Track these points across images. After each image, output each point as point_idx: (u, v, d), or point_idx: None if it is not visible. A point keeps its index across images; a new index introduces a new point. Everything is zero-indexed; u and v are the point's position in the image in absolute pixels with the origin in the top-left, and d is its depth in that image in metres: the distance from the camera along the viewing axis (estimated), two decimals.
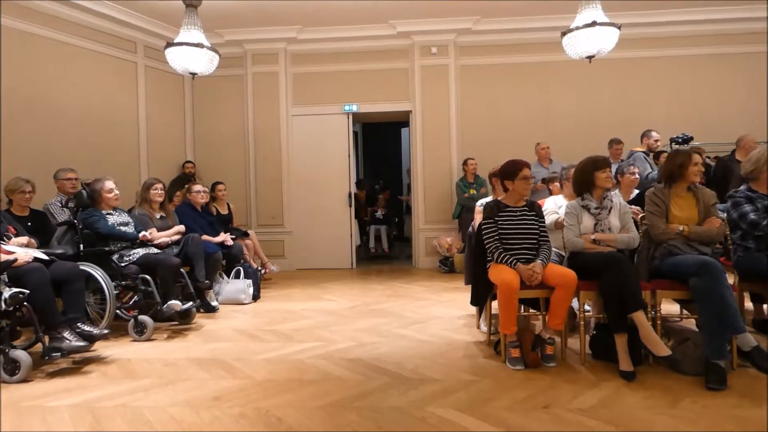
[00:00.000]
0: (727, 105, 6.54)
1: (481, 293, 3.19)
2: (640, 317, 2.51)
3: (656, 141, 5.40)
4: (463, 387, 2.47)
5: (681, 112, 6.54)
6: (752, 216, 2.80)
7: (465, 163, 6.51)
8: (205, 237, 4.59)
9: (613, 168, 5.08)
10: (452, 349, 3.11)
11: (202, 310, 4.21)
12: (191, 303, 3.72)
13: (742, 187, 2.96)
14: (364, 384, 2.53)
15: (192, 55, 4.73)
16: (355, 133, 9.16)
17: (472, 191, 6.13)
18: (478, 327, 3.52)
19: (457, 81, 6.96)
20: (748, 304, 3.36)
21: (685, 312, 3.37)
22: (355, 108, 7.01)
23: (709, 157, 5.51)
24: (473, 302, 3.34)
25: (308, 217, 7.02)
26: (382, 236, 8.66)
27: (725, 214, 3.01)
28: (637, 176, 4.26)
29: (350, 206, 7.10)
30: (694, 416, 2.09)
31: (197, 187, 5.00)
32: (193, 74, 4.92)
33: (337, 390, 2.45)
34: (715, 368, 2.37)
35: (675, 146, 5.25)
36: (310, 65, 7.05)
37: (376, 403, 2.29)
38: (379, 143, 11.40)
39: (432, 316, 4.00)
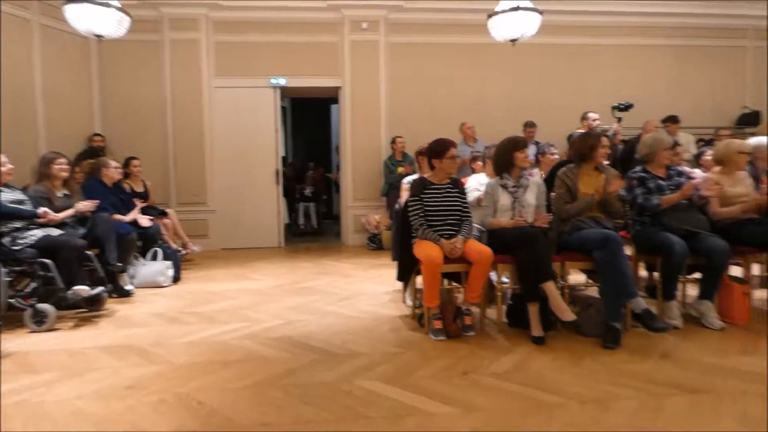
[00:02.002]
0: (647, 93, 7.05)
1: (407, 269, 3.28)
2: (550, 287, 2.71)
3: (595, 121, 5.73)
4: (389, 359, 2.54)
5: (602, 98, 6.97)
6: (640, 200, 3.11)
7: (393, 141, 6.57)
8: (116, 216, 4.28)
9: (532, 149, 5.40)
10: (379, 324, 3.19)
11: (114, 295, 3.93)
12: (101, 288, 3.46)
13: (637, 168, 3.25)
14: (291, 362, 2.53)
15: (97, 15, 4.27)
16: (284, 108, 8.92)
17: (400, 169, 6.21)
18: (404, 301, 3.62)
19: (387, 58, 6.94)
20: (643, 273, 3.73)
21: (589, 281, 3.68)
22: (282, 82, 6.79)
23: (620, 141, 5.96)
24: (399, 277, 3.42)
25: (233, 195, 6.76)
26: (311, 214, 8.58)
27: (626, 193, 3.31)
28: (557, 156, 4.54)
29: (278, 183, 6.94)
30: (593, 372, 2.32)
31: (113, 163, 4.63)
32: (99, 37, 4.48)
33: (263, 369, 2.43)
34: (612, 330, 2.64)
35: (617, 113, 5.56)
36: (234, 35, 6.67)
37: (303, 379, 2.31)
38: (309, 119, 11.17)
39: (360, 293, 4.06)
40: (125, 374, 2.40)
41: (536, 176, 4.06)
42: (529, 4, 4.52)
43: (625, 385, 2.18)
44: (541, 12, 4.60)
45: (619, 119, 5.51)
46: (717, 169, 3.39)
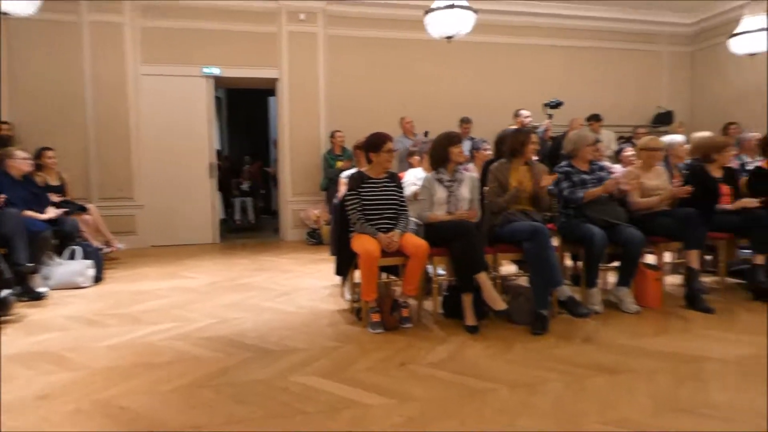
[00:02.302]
0: (574, 92, 7.41)
1: (345, 263, 3.27)
2: (482, 278, 2.80)
3: (527, 118, 5.96)
4: (327, 354, 2.52)
5: (534, 96, 7.26)
6: (566, 193, 3.29)
7: (332, 135, 6.51)
8: (27, 213, 3.92)
9: (467, 144, 5.53)
10: (317, 319, 3.15)
11: (24, 299, 3.58)
12: (8, 291, 3.15)
13: (563, 163, 3.43)
14: (224, 361, 2.45)
15: None
16: (218, 99, 8.57)
17: (340, 164, 6.17)
18: (343, 296, 3.61)
19: (326, 51, 6.85)
20: (569, 262, 3.95)
21: (520, 271, 3.85)
22: (216, 72, 6.51)
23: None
24: (338, 272, 3.40)
25: (163, 189, 6.42)
26: (248, 209, 8.34)
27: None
28: (490, 152, 4.67)
29: (212, 177, 6.67)
30: (523, 358, 2.43)
31: (20, 153, 4.23)
32: (5, 14, 4.07)
33: (193, 370, 2.33)
34: (540, 317, 2.78)
35: (548, 110, 5.83)
36: (163, 20, 6.30)
37: (237, 378, 2.24)
38: (246, 111, 10.83)
39: (298, 288, 4.00)
40: (37, 383, 2.20)
41: (471, 171, 4.18)
42: (465, 3, 4.62)
43: (551, 368, 2.30)
44: (475, 11, 4.71)
45: (550, 116, 5.80)
46: (637, 163, 3.66)
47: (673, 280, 3.87)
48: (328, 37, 6.86)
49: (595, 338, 2.71)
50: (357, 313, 3.13)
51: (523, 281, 3.65)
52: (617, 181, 3.31)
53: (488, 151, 4.34)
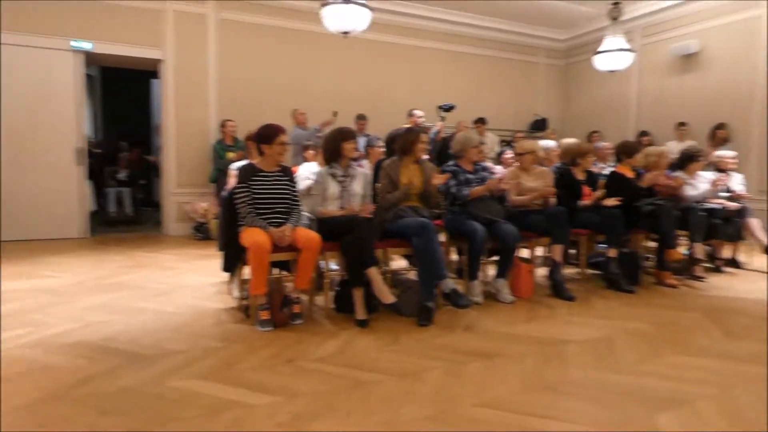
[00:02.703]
0: (465, 96, 7.82)
1: (233, 258, 3.13)
2: (372, 272, 2.85)
3: (420, 118, 6.14)
4: (209, 354, 2.39)
5: (424, 97, 7.56)
6: (453, 190, 3.48)
7: (223, 124, 6.19)
8: None
9: (362, 141, 5.59)
10: (201, 318, 2.97)
11: None
12: None
13: (450, 163, 3.62)
14: (87, 369, 2.20)
15: None
16: (90, 78, 7.68)
17: (231, 155, 5.88)
18: (230, 293, 3.45)
19: (218, 36, 6.47)
20: (454, 257, 4.18)
21: (410, 265, 3.98)
22: (88, 46, 5.82)
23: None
24: (225, 268, 3.24)
25: (18, 176, 5.60)
26: (125, 200, 7.61)
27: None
28: (382, 149, 4.76)
29: (81, 164, 5.96)
30: (409, 348, 2.52)
31: None
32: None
33: (50, 381, 2.06)
34: (426, 309, 2.91)
35: (442, 113, 6.06)
36: None
37: (102, 387, 2.02)
38: (124, 93, 9.83)
39: (181, 286, 3.74)
40: None
41: (365, 167, 4.23)
42: (361, 0, 4.65)
43: (435, 357, 2.41)
44: (371, 9, 4.76)
45: (443, 118, 6.07)
46: (516, 164, 3.98)
47: (543, 272, 4.28)
48: (221, 21, 6.49)
49: (475, 327, 2.90)
50: (245, 310, 3.02)
51: (413, 275, 3.79)
52: (498, 180, 3.58)
53: (382, 149, 4.43)
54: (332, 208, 3.18)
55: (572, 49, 8.86)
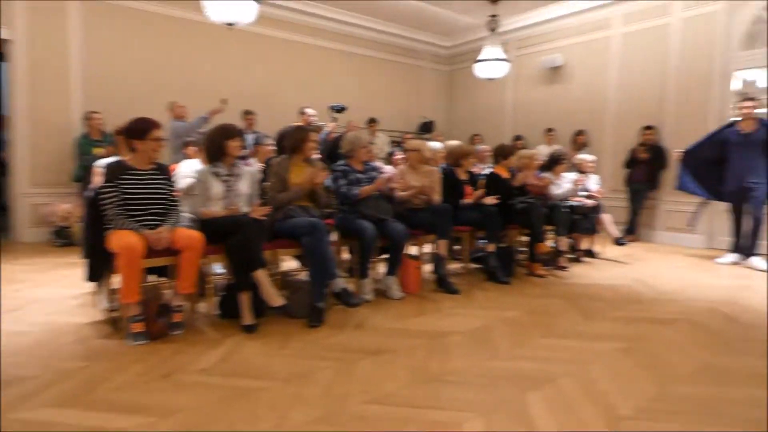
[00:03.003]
0: (357, 96, 7.87)
1: (99, 266, 2.80)
2: (260, 275, 2.74)
3: (312, 117, 6.01)
4: (67, 377, 2.11)
5: (311, 96, 7.48)
6: (343, 190, 3.49)
7: (88, 117, 5.54)
8: None
9: (249, 138, 5.37)
10: (58, 336, 2.62)
11: None
12: None
13: (340, 162, 3.62)
14: None
15: None
16: None
17: (99, 150, 5.28)
18: (96, 306, 3.09)
19: (82, 18, 5.77)
20: (346, 255, 4.19)
21: (301, 266, 3.91)
22: None
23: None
24: (90, 277, 2.89)
25: None
26: None
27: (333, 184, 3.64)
28: (271, 148, 4.62)
29: None
30: (299, 351, 2.47)
31: None
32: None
33: None
34: (317, 309, 2.87)
35: (333, 113, 5.99)
36: None
37: None
38: None
39: (34, 301, 3.26)
40: None
41: (253, 165, 4.07)
42: None
43: (325, 357, 2.39)
44: (259, 1, 4.59)
45: (335, 119, 6.05)
46: (405, 164, 4.10)
47: (429, 268, 4.47)
48: (87, 3, 5.80)
49: (366, 324, 2.93)
50: (114, 323, 2.72)
51: (305, 276, 3.72)
52: (387, 179, 3.65)
53: (270, 147, 4.30)
54: (216, 209, 3.00)
55: (455, 56, 9.40)
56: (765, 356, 2.49)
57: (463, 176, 4.36)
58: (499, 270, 4.09)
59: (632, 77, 6.75)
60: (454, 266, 4.65)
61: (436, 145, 5.49)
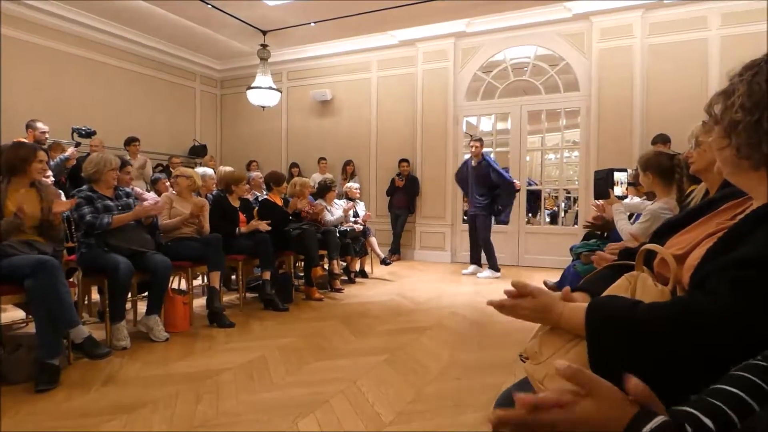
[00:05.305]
0: (110, 112, 6.80)
1: None
2: None
3: (44, 133, 4.89)
4: None
5: (53, 108, 6.22)
6: (89, 218, 2.96)
7: None
8: None
9: None
10: None
11: None
12: None
13: (84, 187, 3.07)
14: None
15: None
16: None
17: None
18: None
19: None
20: (96, 296, 3.55)
21: (30, 316, 3.14)
22: None
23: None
24: None
25: None
26: None
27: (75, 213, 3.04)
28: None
29: None
30: (17, 425, 1.93)
31: None
32: None
33: None
34: (48, 368, 2.31)
35: (78, 137, 4.96)
36: None
37: None
38: None
39: None
40: None
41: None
42: None
43: (58, 427, 1.92)
44: None
45: (78, 144, 5.10)
46: (173, 191, 3.74)
47: (201, 301, 4.13)
48: None
49: (118, 377, 2.49)
50: None
51: (32, 328, 2.99)
52: (152, 207, 3.26)
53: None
54: None
55: (227, 80, 9.16)
56: (494, 349, 3.04)
57: (235, 203, 4.20)
58: (277, 297, 4.04)
59: (390, 115, 7.68)
60: (229, 297, 4.42)
61: (207, 171, 5.18)
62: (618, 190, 3.20)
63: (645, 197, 3.17)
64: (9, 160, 2.68)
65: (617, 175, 3.16)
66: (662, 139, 5.38)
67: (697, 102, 5.32)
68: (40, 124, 4.92)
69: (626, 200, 3.29)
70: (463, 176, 6.14)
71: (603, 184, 3.09)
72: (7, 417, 2.01)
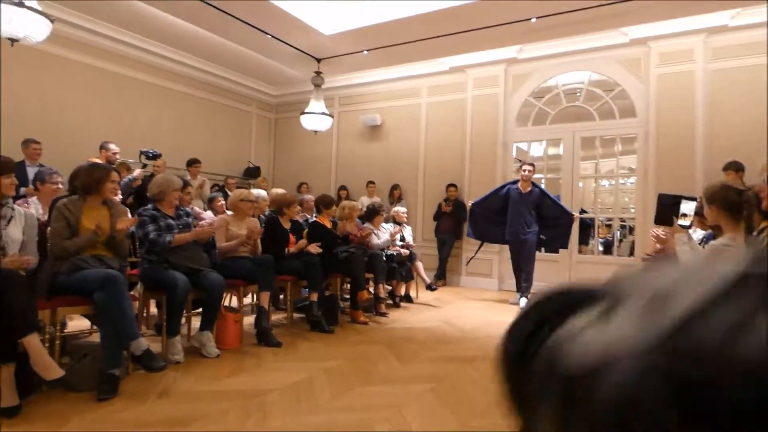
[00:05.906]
0: (163, 132, 7.27)
1: None
2: (30, 341, 2.23)
3: (115, 154, 5.27)
4: None
5: (121, 129, 6.70)
6: (152, 236, 3.14)
7: None
8: None
9: (30, 172, 4.54)
10: None
11: None
12: None
13: (149, 206, 3.27)
14: None
15: None
16: None
17: None
18: None
19: None
20: (153, 310, 3.72)
21: (94, 327, 3.33)
22: None
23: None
24: None
25: None
26: None
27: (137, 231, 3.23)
28: (60, 186, 3.95)
29: None
30: None
31: None
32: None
33: None
34: (109, 378, 2.44)
35: (145, 159, 5.30)
36: None
37: None
38: None
39: None
40: None
41: (33, 206, 3.41)
42: (36, 6, 3.87)
43: None
44: (52, 19, 4.01)
45: (145, 166, 5.43)
46: (230, 213, 3.91)
47: (249, 320, 4.24)
48: None
49: (172, 390, 2.59)
50: None
51: (97, 338, 3.17)
52: (209, 227, 3.42)
53: (58, 185, 3.67)
54: None
55: (282, 105, 9.54)
56: None
57: (286, 225, 4.32)
58: (323, 319, 4.08)
59: (438, 140, 7.71)
60: (277, 317, 4.51)
61: (261, 193, 5.37)
62: (683, 220, 2.97)
63: (710, 230, 2.98)
64: (85, 180, 2.90)
65: (684, 206, 2.83)
66: (735, 167, 4.99)
67: (763, 128, 5.03)
68: (112, 146, 5.30)
69: (691, 232, 3.09)
70: (498, 200, 5.90)
71: (668, 210, 2.82)
72: (72, 423, 2.13)
